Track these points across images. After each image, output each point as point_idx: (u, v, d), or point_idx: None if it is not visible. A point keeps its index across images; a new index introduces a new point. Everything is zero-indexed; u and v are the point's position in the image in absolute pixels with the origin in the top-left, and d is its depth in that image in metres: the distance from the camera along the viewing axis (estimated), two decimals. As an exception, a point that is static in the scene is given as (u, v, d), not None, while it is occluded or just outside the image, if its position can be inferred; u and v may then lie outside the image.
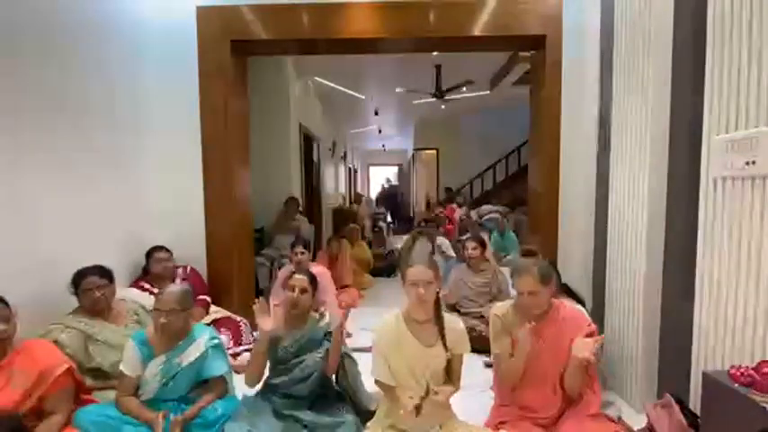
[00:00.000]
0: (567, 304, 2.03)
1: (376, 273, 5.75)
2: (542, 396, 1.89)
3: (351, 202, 11.72)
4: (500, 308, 1.99)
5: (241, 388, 2.22)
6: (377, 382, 1.82)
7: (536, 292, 1.82)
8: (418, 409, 1.67)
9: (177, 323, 1.93)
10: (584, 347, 1.75)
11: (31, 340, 1.83)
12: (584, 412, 1.84)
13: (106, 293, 2.22)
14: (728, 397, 1.38)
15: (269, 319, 1.97)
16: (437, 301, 1.82)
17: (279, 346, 2.03)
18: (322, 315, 2.14)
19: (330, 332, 2.07)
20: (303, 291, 2.04)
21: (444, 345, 1.80)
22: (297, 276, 2.07)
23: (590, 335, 1.86)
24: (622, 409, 2.25)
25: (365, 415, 1.99)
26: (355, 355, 2.19)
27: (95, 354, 2.12)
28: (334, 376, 2.10)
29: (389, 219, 12.51)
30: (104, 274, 2.23)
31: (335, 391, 2.12)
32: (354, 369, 2.10)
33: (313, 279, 2.11)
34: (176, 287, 2.00)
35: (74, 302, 2.21)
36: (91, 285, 2.17)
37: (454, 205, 8.76)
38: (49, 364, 1.74)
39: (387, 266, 6.02)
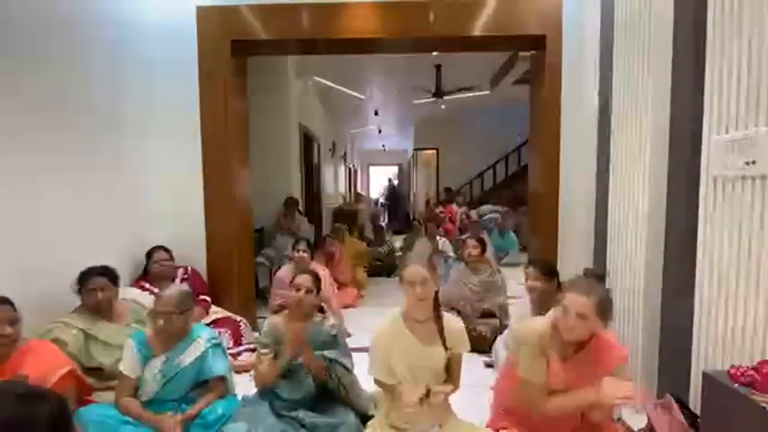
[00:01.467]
0: (605, 334, 1.72)
1: (376, 272, 5.75)
2: (566, 422, 1.69)
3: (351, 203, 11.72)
4: (537, 324, 1.73)
5: (241, 388, 2.23)
6: (376, 381, 1.82)
7: (587, 317, 1.55)
8: (422, 400, 1.68)
9: (176, 325, 1.93)
10: (614, 390, 1.49)
11: (34, 341, 1.82)
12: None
13: (109, 295, 2.23)
14: (728, 397, 1.38)
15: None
16: (436, 300, 1.82)
17: (281, 345, 2.03)
18: (325, 317, 2.14)
19: (333, 335, 2.08)
20: (308, 291, 2.05)
21: (444, 344, 1.80)
22: (301, 276, 2.08)
23: (622, 361, 1.68)
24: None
25: (364, 418, 1.99)
26: (356, 355, 2.19)
27: (96, 353, 2.12)
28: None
29: (386, 218, 12.47)
30: (109, 275, 2.25)
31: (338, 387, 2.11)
32: (349, 378, 2.07)
33: (317, 279, 2.12)
34: (175, 289, 1.98)
35: (74, 303, 2.22)
36: (95, 285, 2.18)
37: (454, 205, 8.76)
38: (52, 365, 1.73)
39: (387, 266, 6.02)
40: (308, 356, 1.98)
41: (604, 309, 1.57)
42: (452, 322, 1.86)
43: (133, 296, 2.60)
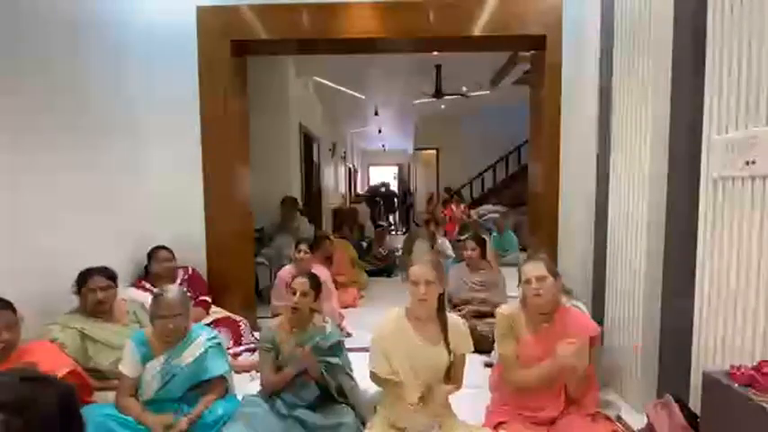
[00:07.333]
0: (572, 307, 2.03)
1: (376, 272, 5.74)
2: (547, 397, 1.87)
3: (351, 202, 11.70)
4: (507, 308, 1.97)
5: (241, 388, 2.23)
6: (372, 375, 1.81)
7: (545, 278, 1.83)
8: (423, 398, 1.69)
9: (180, 326, 1.94)
10: (564, 352, 1.71)
11: (34, 342, 1.82)
12: (583, 411, 1.85)
13: (108, 296, 2.23)
14: (728, 397, 1.38)
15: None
16: (441, 301, 1.82)
17: (280, 349, 2.03)
18: (326, 322, 2.14)
19: (335, 344, 2.08)
20: (304, 294, 2.04)
21: (447, 344, 1.80)
22: (298, 279, 2.07)
23: (594, 339, 1.88)
24: (622, 409, 2.25)
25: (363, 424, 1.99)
26: (356, 355, 2.19)
27: (94, 354, 2.12)
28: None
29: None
30: (109, 276, 2.25)
31: (336, 392, 2.11)
32: (350, 384, 2.07)
33: (316, 282, 2.11)
34: (175, 292, 1.97)
35: (73, 303, 2.21)
36: (95, 286, 2.18)
37: (453, 205, 8.76)
38: (53, 366, 1.73)
39: (387, 266, 6.01)
40: (313, 372, 1.98)
41: (552, 266, 1.89)
42: (456, 323, 1.86)
43: (133, 296, 2.60)
